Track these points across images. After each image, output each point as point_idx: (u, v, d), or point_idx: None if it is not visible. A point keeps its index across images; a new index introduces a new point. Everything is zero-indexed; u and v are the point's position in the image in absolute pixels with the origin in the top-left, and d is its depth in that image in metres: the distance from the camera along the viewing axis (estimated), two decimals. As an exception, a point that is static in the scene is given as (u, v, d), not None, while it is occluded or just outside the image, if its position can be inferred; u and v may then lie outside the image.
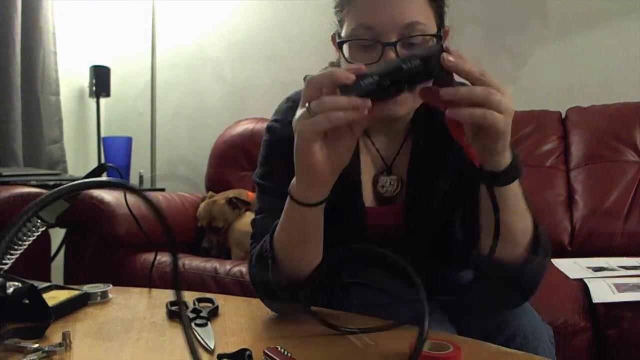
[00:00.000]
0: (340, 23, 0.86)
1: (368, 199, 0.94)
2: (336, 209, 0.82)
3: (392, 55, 0.79)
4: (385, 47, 0.79)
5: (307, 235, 0.77)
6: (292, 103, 0.96)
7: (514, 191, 0.74)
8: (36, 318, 0.72)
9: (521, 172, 0.74)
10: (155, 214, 0.36)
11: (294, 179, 0.73)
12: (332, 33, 0.89)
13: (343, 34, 0.85)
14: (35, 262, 1.75)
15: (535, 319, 0.88)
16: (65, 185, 0.39)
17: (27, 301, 0.74)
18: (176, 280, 0.41)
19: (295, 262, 0.79)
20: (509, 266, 0.77)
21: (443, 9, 0.86)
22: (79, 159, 2.82)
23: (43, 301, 0.74)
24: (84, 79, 2.77)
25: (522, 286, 0.82)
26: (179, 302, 0.45)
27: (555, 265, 1.49)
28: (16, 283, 0.77)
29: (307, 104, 0.67)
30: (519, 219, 0.76)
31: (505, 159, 0.71)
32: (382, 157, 0.95)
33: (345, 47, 0.84)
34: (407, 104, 0.82)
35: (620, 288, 1.24)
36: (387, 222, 0.94)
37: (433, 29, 0.83)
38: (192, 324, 0.75)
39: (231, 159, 2.35)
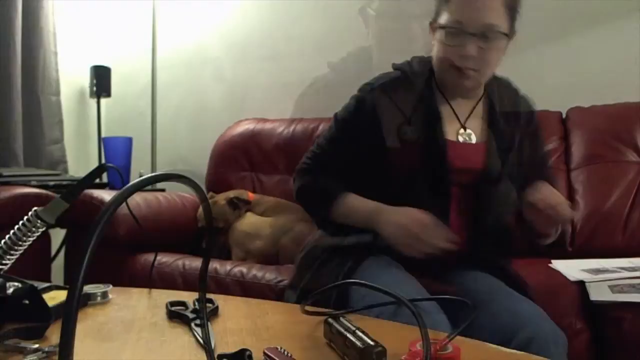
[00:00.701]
0: (437, 11, 1.15)
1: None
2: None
3: (472, 44, 1.08)
4: (467, 36, 1.08)
5: None
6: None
7: None
8: (36, 318, 0.72)
9: None
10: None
11: None
12: (430, 20, 1.18)
13: (440, 20, 1.13)
14: (35, 262, 1.75)
15: (551, 324, 0.91)
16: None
17: (27, 301, 0.74)
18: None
19: None
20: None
21: (516, 16, 1.15)
22: (80, 159, 2.82)
23: (43, 301, 0.74)
24: (85, 79, 2.77)
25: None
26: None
27: (555, 267, 1.49)
28: (16, 283, 0.77)
29: None
30: None
31: None
32: (457, 117, 1.20)
33: (439, 32, 1.13)
34: (474, 78, 1.14)
35: (620, 289, 1.24)
36: (466, 159, 1.17)
37: (506, 29, 1.11)
38: (192, 324, 0.75)
39: (231, 159, 2.35)
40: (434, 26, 1.16)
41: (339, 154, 1.21)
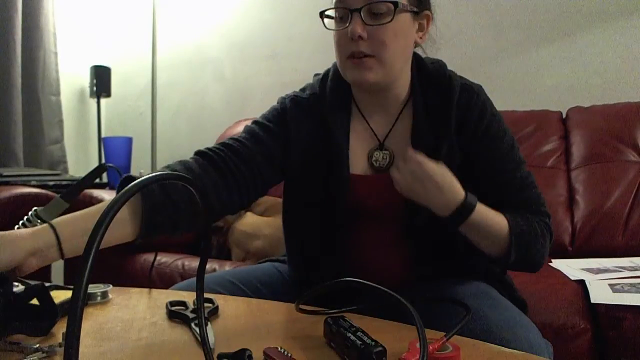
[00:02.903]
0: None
1: (362, 171, 1.00)
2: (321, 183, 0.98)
3: (359, 20, 0.90)
4: (353, 13, 0.91)
5: None
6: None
7: (472, 226, 0.88)
8: (43, 317, 0.72)
9: (467, 215, 0.87)
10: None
11: None
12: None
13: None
14: (36, 262, 1.74)
15: (535, 335, 0.87)
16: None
17: (35, 301, 0.74)
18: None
19: None
20: (494, 260, 0.94)
21: None
22: (80, 159, 2.82)
23: (51, 300, 0.74)
24: (85, 79, 2.77)
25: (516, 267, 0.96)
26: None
27: (556, 266, 1.49)
28: (16, 283, 0.77)
29: None
30: (488, 242, 0.92)
31: (443, 211, 0.87)
32: (375, 134, 1.02)
33: (327, 21, 0.96)
34: (374, 68, 0.93)
35: (620, 289, 1.24)
36: (379, 194, 0.98)
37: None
38: (192, 324, 0.75)
39: (231, 159, 2.35)
40: (322, 15, 0.97)
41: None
